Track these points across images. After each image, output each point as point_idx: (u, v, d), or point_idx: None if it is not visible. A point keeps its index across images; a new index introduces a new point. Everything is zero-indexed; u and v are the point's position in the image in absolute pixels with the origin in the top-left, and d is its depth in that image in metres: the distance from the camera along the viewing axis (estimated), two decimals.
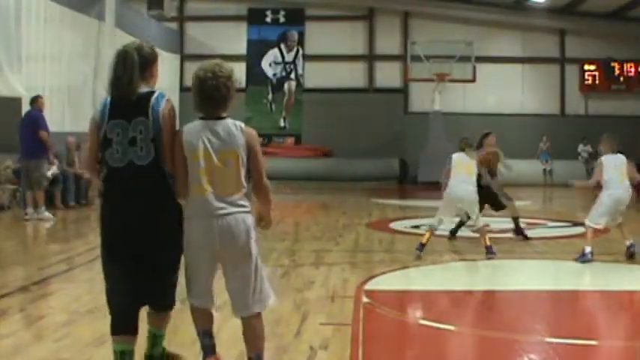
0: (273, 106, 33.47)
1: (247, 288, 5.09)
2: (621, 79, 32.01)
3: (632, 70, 32.05)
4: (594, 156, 30.30)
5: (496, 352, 6.70)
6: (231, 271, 5.12)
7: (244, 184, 5.08)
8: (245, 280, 5.09)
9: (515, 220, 13.63)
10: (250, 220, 5.10)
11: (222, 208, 4.99)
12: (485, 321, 7.85)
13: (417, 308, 8.84)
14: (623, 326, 7.98)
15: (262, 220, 5.28)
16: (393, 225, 16.17)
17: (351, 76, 32.28)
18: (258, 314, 5.18)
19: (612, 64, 31.90)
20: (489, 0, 31.06)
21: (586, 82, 32.09)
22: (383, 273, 10.16)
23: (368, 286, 9.05)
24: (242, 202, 5.07)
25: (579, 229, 15.44)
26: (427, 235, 11.49)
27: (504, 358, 6.58)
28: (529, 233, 13.79)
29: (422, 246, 11.32)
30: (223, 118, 5.08)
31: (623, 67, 32.00)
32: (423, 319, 7.99)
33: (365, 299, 8.22)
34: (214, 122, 5.04)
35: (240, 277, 5.10)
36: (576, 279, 10.52)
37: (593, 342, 6.96)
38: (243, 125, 5.10)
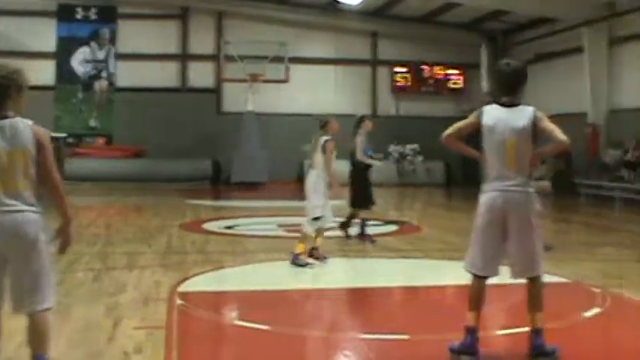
0: (84, 106, 32.53)
1: (34, 284, 5.03)
2: (431, 81, 33.03)
3: (441, 72, 33.12)
4: (405, 156, 31.21)
5: (311, 350, 6.66)
6: (18, 267, 5.03)
7: (33, 182, 5.08)
8: (33, 277, 5.02)
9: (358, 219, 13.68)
10: (40, 220, 5.07)
11: (10, 205, 4.97)
12: (300, 320, 7.80)
13: (231, 309, 8.73)
14: (434, 320, 8.11)
15: (61, 236, 5.23)
16: (206, 226, 16.01)
17: (164, 75, 31.81)
18: (45, 312, 5.09)
19: (422, 67, 32.85)
20: (303, 1, 31.32)
21: (397, 84, 32.90)
22: (197, 274, 10.00)
23: (182, 288, 8.89)
24: (32, 201, 5.07)
25: (391, 227, 15.79)
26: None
27: (320, 357, 6.55)
28: (350, 232, 13.89)
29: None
30: (9, 117, 5.03)
31: (432, 69, 33.02)
32: (238, 319, 7.90)
33: (179, 301, 8.03)
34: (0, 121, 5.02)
35: (27, 273, 5.02)
36: (391, 276, 10.65)
37: (405, 337, 7.01)
38: (31, 123, 5.08)
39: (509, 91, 6.44)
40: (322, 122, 11.94)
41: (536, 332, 6.13)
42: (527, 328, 6.21)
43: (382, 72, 33.07)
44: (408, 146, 31.03)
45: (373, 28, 32.55)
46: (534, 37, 29.61)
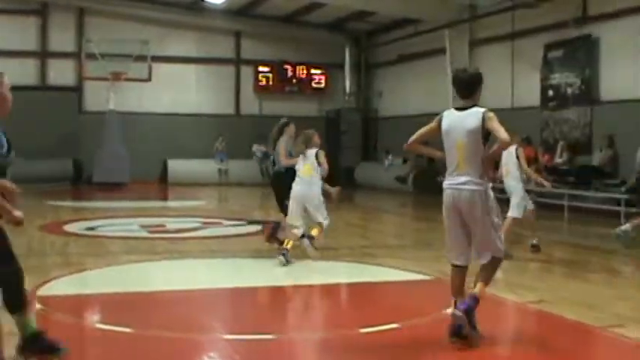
0: None
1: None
2: (294, 80, 33.09)
3: (304, 72, 33.24)
4: (269, 155, 31.13)
5: (174, 352, 6.55)
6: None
7: None
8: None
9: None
10: None
11: None
12: (164, 322, 7.65)
13: (93, 312, 8.52)
14: (300, 320, 8.12)
15: None
16: (67, 227, 15.60)
17: (23, 73, 30.69)
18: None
19: (285, 67, 32.88)
20: (167, 0, 30.89)
21: (260, 84, 32.82)
22: (57, 277, 9.72)
23: (41, 292, 8.61)
24: None
25: (256, 228, 15.74)
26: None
27: (183, 358, 6.46)
28: (205, 232, 13.79)
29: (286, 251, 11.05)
30: None
31: (295, 69, 33.10)
32: (100, 322, 7.70)
33: (38, 306, 7.75)
34: None
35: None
36: (256, 276, 10.61)
37: (271, 336, 6.99)
38: None
39: (465, 96, 6.93)
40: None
41: (471, 297, 6.70)
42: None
43: (246, 71, 32.93)
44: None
45: (237, 28, 32.37)
46: (398, 37, 30.00)
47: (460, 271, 6.87)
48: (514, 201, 12.25)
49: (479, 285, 6.74)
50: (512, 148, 12.08)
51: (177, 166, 30.12)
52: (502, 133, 6.58)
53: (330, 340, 7.18)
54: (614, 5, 20.06)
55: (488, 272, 6.86)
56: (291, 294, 9.72)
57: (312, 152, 11.50)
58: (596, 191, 19.16)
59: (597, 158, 19.88)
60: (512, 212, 12.15)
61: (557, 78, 22.02)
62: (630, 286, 10.46)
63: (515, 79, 23.91)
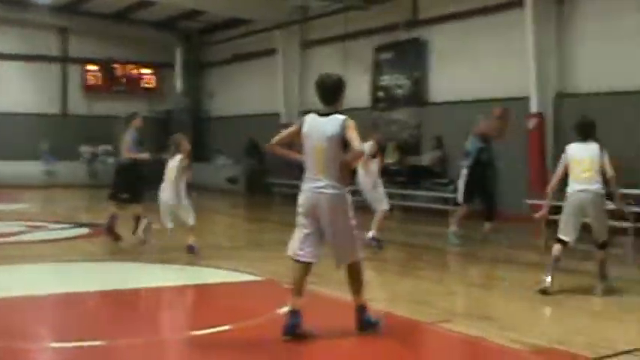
0: None
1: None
2: (123, 80, 32.37)
3: (134, 71, 32.59)
4: (97, 156, 30.33)
5: None
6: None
7: None
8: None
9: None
10: None
11: None
12: None
13: None
14: (129, 325, 7.87)
15: None
16: None
17: None
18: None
19: (114, 66, 32.13)
20: None
21: (88, 83, 31.91)
22: None
23: None
24: None
25: (82, 230, 15.28)
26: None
27: None
28: (30, 236, 13.27)
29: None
30: None
31: (125, 68, 32.40)
32: None
33: None
34: None
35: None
36: (83, 280, 10.25)
37: (99, 342, 6.73)
38: None
39: (328, 102, 7.00)
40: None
41: (361, 309, 6.95)
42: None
43: (73, 70, 31.95)
44: (101, 147, 30.16)
45: (63, 24, 31.36)
46: (230, 37, 29.86)
47: (306, 268, 7.00)
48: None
49: (360, 295, 7.00)
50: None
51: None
52: (356, 142, 6.71)
53: (160, 344, 7.03)
54: (443, 9, 20.59)
55: (359, 280, 7.04)
56: (122, 298, 9.39)
57: (177, 157, 11.85)
58: (425, 191, 19.60)
59: (427, 158, 20.32)
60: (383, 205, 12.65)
61: (387, 79, 22.44)
62: (458, 282, 10.70)
63: (347, 80, 24.10)
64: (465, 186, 13.92)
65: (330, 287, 8.79)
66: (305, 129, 6.94)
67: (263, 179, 25.69)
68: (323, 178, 6.82)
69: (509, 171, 16.55)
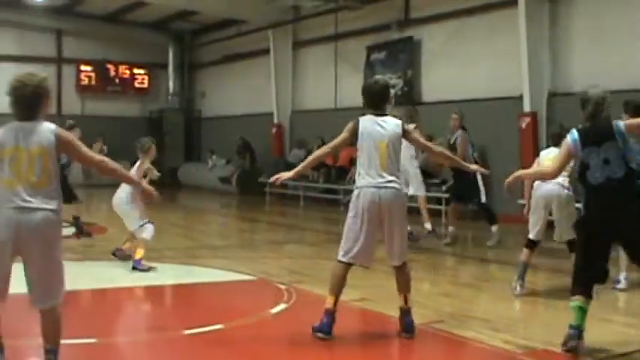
0: None
1: (49, 278, 5.25)
2: (116, 80, 32.32)
3: (127, 72, 32.55)
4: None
5: None
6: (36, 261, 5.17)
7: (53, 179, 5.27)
8: (44, 269, 5.22)
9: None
10: (58, 216, 5.24)
11: (29, 202, 5.09)
12: None
13: None
14: (122, 323, 7.86)
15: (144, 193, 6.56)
16: None
17: None
18: (58, 307, 5.37)
19: (107, 66, 32.08)
20: None
21: (82, 83, 31.87)
22: None
23: None
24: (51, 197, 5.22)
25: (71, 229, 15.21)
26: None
27: None
28: None
29: None
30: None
31: (118, 69, 32.36)
32: None
33: None
34: None
35: (43, 266, 5.19)
36: (75, 278, 10.17)
37: (92, 340, 6.71)
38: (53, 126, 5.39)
39: (377, 107, 6.99)
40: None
41: (407, 311, 6.94)
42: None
43: (67, 70, 31.89)
44: (94, 146, 30.10)
45: (58, 26, 31.31)
46: (222, 38, 29.84)
47: (348, 268, 6.94)
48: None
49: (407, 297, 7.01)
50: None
51: None
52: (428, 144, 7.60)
53: (153, 343, 7.02)
54: (435, 9, 20.59)
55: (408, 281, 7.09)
56: (114, 296, 9.40)
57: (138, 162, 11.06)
58: None
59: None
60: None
61: None
62: (450, 282, 10.71)
63: (339, 80, 24.17)
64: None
65: (317, 286, 8.82)
66: (362, 128, 6.89)
67: (255, 179, 25.69)
68: (386, 174, 6.77)
69: (502, 171, 16.54)
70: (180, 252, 12.51)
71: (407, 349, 7.00)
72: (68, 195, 13.13)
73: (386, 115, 6.99)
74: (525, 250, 9.27)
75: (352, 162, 22.03)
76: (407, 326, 6.90)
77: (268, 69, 26.55)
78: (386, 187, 6.75)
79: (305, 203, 23.08)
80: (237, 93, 29.41)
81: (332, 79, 24.37)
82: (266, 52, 26.71)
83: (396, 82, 21.73)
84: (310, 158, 7.32)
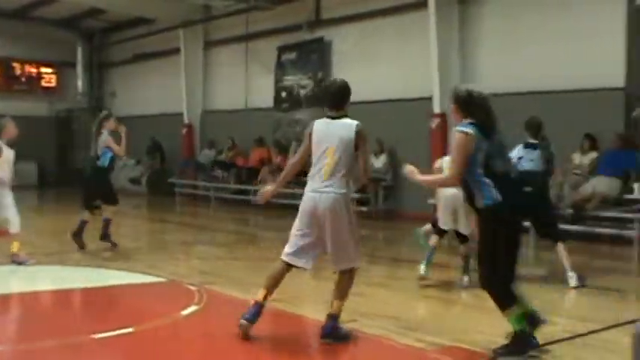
0: None
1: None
2: (23, 79, 31.61)
3: (34, 70, 31.87)
4: None
5: None
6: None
7: None
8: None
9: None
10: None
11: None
12: None
13: None
14: (18, 329, 7.70)
15: None
16: None
17: None
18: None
19: (13, 64, 31.37)
20: None
21: None
22: None
23: None
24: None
25: None
26: None
27: None
28: None
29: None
30: None
31: (24, 67, 31.65)
32: None
33: None
34: None
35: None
36: None
37: None
38: None
39: (335, 106, 7.04)
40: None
41: (330, 317, 6.90)
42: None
43: None
44: None
45: None
46: (133, 36, 29.45)
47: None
48: None
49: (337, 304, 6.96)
50: None
51: None
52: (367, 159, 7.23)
53: (61, 348, 6.83)
54: (346, 10, 20.69)
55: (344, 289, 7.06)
56: (20, 301, 9.17)
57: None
58: None
59: None
60: None
61: (290, 80, 22.43)
62: (362, 282, 10.72)
63: (250, 81, 24.13)
64: None
65: (228, 287, 8.78)
66: (315, 132, 6.90)
67: (165, 180, 25.47)
68: (329, 179, 6.72)
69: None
70: (89, 254, 12.26)
71: (318, 349, 7.01)
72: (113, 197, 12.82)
73: (345, 116, 7.00)
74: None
75: (263, 162, 22.10)
76: (324, 331, 6.88)
77: (179, 69, 26.34)
78: (326, 192, 6.70)
79: (216, 204, 22.96)
80: (148, 93, 29.08)
81: (243, 80, 24.32)
82: (177, 51, 26.51)
83: (307, 83, 21.81)
84: (288, 168, 7.30)
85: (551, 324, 7.30)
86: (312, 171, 6.84)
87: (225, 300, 8.48)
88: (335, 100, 7.07)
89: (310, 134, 6.93)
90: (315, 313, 7.74)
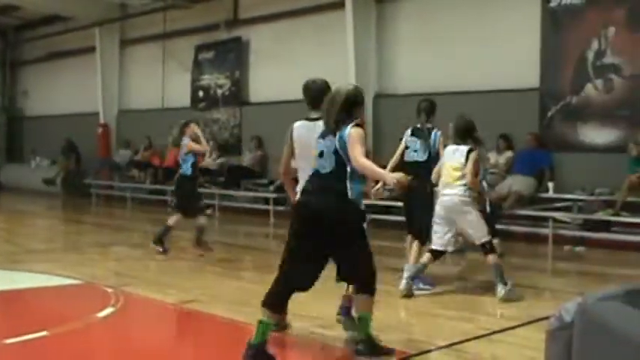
0: None
1: None
2: None
3: None
4: None
5: None
6: None
7: None
8: None
9: None
10: None
11: None
12: None
13: None
14: None
15: None
16: None
17: None
18: None
19: None
20: None
21: None
22: None
23: None
24: None
25: None
26: None
27: None
28: None
29: None
30: None
31: None
32: None
33: None
34: None
35: None
36: None
37: None
38: None
39: (316, 106, 6.99)
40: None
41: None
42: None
43: None
44: None
45: None
46: (47, 34, 28.88)
47: None
48: None
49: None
50: None
51: None
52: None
53: None
54: (264, 9, 20.67)
55: None
56: None
57: None
58: (246, 191, 19.64)
59: (247, 159, 20.34)
60: None
61: (207, 79, 22.34)
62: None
63: (167, 80, 23.92)
64: None
65: (144, 288, 8.70)
66: (296, 136, 6.88)
67: (80, 180, 25.11)
68: None
69: None
70: (1, 257, 12.03)
71: (235, 350, 6.99)
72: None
73: None
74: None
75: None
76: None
77: (94, 67, 25.99)
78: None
79: (132, 204, 22.72)
80: (62, 92, 28.59)
81: (159, 79, 24.09)
82: (92, 50, 26.13)
83: (224, 83, 21.74)
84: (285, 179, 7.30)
85: (467, 321, 7.42)
86: (305, 174, 6.70)
87: (142, 301, 8.39)
88: (318, 99, 7.02)
89: (291, 139, 6.94)
90: (229, 313, 7.73)
